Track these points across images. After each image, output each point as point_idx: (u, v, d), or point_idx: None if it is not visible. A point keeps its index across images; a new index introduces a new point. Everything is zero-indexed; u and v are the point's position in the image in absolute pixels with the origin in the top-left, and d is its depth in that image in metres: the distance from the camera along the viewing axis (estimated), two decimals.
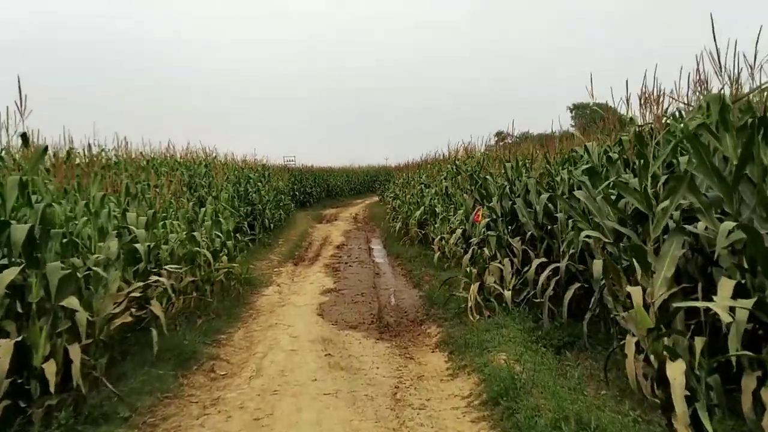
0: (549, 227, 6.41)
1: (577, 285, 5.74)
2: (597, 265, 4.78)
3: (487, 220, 6.93)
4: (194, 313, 7.38)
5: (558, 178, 6.44)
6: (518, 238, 6.73)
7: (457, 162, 13.94)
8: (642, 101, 5.52)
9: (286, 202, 22.03)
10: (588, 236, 4.90)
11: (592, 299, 5.42)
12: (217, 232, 8.35)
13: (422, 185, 15.10)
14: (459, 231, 7.77)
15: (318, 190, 34.71)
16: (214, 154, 15.84)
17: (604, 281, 4.84)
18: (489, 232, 6.78)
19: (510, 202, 6.91)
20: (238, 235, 13.10)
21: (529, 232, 6.55)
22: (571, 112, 61.83)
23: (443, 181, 13.68)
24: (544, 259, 6.16)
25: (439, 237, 11.07)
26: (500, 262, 6.55)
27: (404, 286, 10.24)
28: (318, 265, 12.86)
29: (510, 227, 6.92)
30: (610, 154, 4.91)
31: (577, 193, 5.11)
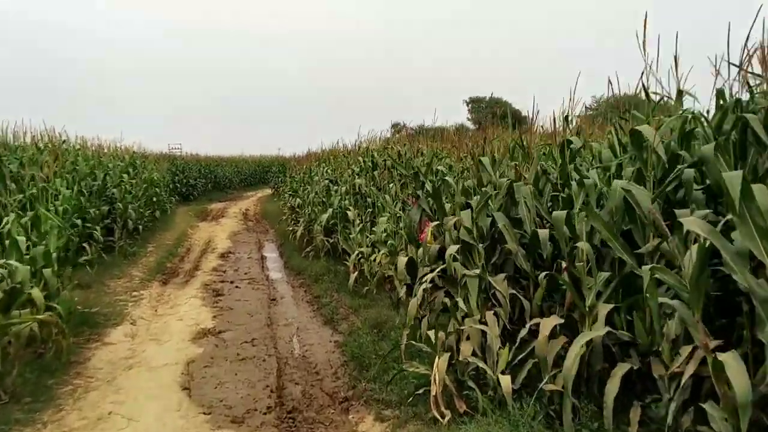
0: (560, 263, 4.01)
1: (625, 367, 3.39)
2: (735, 374, 2.38)
3: (455, 247, 4.37)
4: None
5: (573, 184, 4.03)
6: (503, 276, 4.27)
7: (374, 154, 11.41)
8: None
9: (163, 198, 18.58)
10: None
11: (669, 414, 3.05)
12: (12, 262, 5.27)
13: (328, 181, 12.43)
14: (402, 260, 5.17)
15: (204, 181, 31.07)
16: (63, 138, 12.29)
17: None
18: (465, 272, 4.23)
19: (488, 219, 4.43)
20: (88, 244, 9.89)
21: (542, 272, 4.07)
22: (468, 105, 61.39)
23: (356, 177, 11.10)
24: (558, 320, 3.73)
25: (356, 253, 8.48)
26: (481, 320, 4.06)
27: (311, 320, 7.56)
28: (194, 284, 9.87)
29: (489, 259, 4.44)
30: None
31: (687, 221, 2.70)
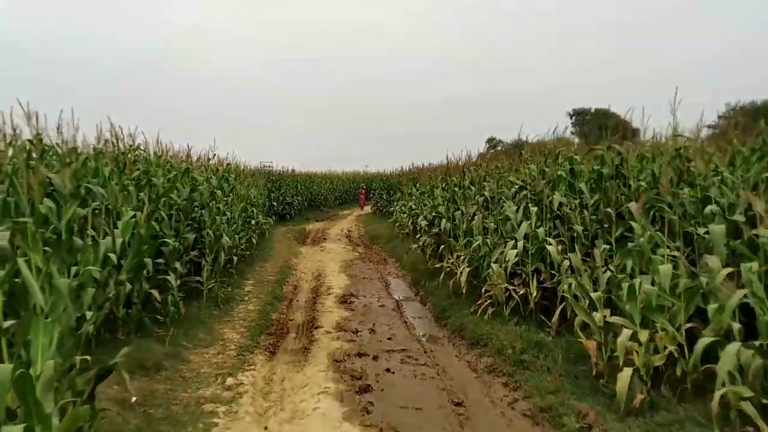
0: None
1: None
2: None
3: None
4: None
5: None
6: None
7: (573, 159, 7.59)
8: None
9: (260, 219, 15.46)
10: None
11: None
12: None
13: (498, 198, 8.67)
14: None
15: (300, 199, 28.13)
16: (135, 143, 9.08)
17: None
18: None
19: None
20: (160, 292, 6.74)
21: None
22: (571, 117, 56.54)
23: (551, 191, 7.29)
24: None
25: (627, 332, 4.62)
26: None
27: None
28: (318, 357, 6.34)
29: None
30: None
31: None
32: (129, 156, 8.04)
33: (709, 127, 8.10)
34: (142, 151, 8.89)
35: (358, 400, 5.08)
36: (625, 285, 4.75)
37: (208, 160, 12.28)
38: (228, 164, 14.16)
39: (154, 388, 5.08)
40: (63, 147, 7.56)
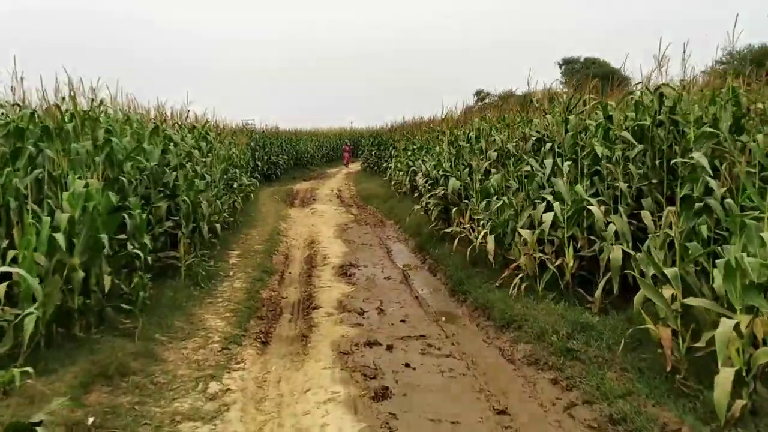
0: None
1: None
2: None
3: None
4: None
5: None
6: None
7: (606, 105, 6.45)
8: None
9: (244, 181, 14.23)
10: None
11: None
12: None
13: (516, 152, 7.52)
14: None
15: (286, 158, 26.82)
16: (98, 98, 7.72)
17: None
18: None
19: None
20: (128, 276, 5.62)
21: None
22: (560, 67, 54.77)
23: (594, 142, 6.17)
24: None
25: (730, 323, 3.58)
26: None
27: None
28: (319, 348, 5.27)
29: None
30: None
31: None
32: (89, 113, 6.78)
33: (704, 72, 7.18)
34: (105, 107, 7.60)
35: (376, 410, 4.03)
36: (721, 261, 3.67)
37: (184, 117, 10.97)
38: (206, 122, 12.82)
39: (117, 403, 4.01)
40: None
